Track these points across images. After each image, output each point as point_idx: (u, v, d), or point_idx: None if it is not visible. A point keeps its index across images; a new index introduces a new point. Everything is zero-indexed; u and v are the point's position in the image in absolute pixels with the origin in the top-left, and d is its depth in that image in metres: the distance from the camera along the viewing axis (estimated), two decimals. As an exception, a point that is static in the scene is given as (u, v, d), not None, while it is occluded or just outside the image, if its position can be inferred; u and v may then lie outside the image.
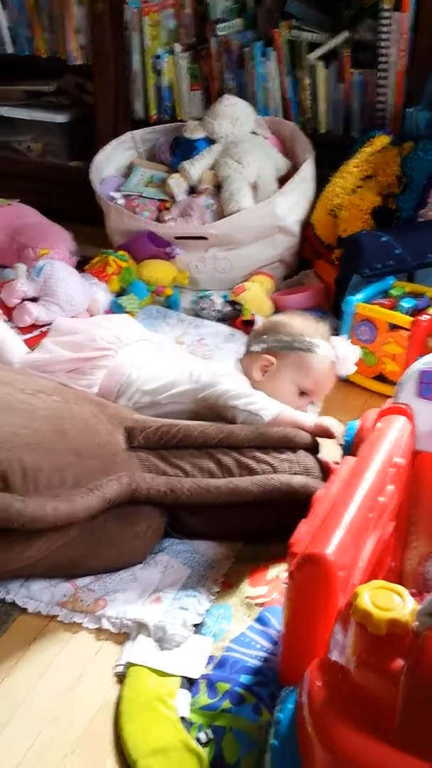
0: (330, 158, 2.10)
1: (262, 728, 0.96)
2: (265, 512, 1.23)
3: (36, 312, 1.83)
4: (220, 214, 2.09)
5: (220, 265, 2.08)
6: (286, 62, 2.22)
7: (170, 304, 2.04)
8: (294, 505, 1.19)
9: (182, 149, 2.25)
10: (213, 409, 1.37)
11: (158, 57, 2.32)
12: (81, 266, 2.05)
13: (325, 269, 2.03)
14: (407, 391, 1.18)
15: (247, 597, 1.17)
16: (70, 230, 2.14)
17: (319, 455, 1.31)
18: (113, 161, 2.31)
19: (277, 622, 1.11)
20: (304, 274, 2.13)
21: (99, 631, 1.13)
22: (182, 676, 1.05)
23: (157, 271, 2.05)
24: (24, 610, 1.16)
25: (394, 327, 1.67)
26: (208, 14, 2.32)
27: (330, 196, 2.01)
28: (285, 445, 1.27)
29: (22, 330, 1.84)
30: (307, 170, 2.10)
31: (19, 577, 1.19)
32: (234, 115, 2.17)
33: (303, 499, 1.17)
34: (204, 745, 0.97)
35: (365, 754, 0.75)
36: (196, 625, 1.13)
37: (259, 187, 2.11)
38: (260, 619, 1.13)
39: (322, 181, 2.08)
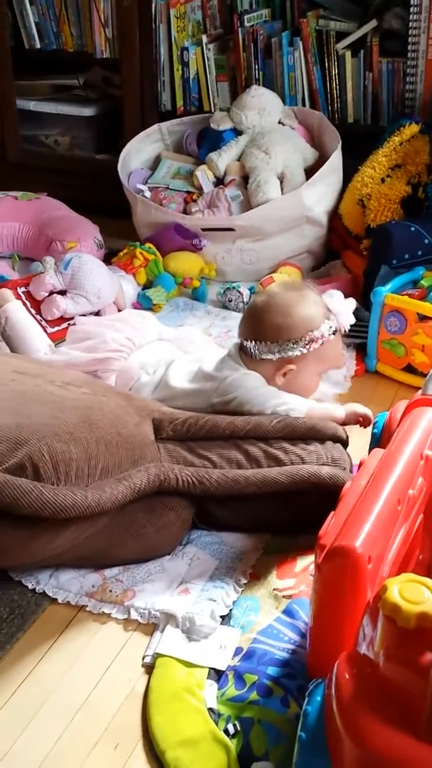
0: (358, 148, 2.08)
1: (290, 720, 0.96)
2: (294, 503, 1.23)
3: (64, 305, 1.84)
4: (247, 205, 2.08)
5: (247, 257, 2.07)
6: (314, 52, 2.20)
7: (197, 296, 2.04)
8: (322, 496, 1.19)
9: (209, 141, 2.24)
10: (235, 413, 1.34)
11: (185, 49, 2.32)
12: (108, 259, 2.06)
13: (353, 260, 2.01)
14: (437, 383, 1.16)
15: (274, 589, 1.17)
16: (97, 223, 2.15)
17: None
18: (140, 154, 2.32)
19: (304, 615, 1.10)
20: (332, 265, 2.11)
21: (127, 622, 1.14)
22: (210, 668, 1.05)
23: (184, 263, 2.05)
24: (54, 600, 1.17)
25: (423, 318, 1.65)
26: (235, 5, 2.31)
27: (358, 186, 1.99)
28: (313, 436, 1.26)
29: (51, 323, 1.86)
30: (335, 160, 2.09)
31: (48, 567, 1.20)
32: (261, 106, 2.16)
33: (331, 490, 1.17)
34: (232, 736, 0.97)
35: (393, 747, 0.75)
36: (223, 617, 1.13)
37: (286, 178, 2.09)
38: (288, 611, 1.12)
39: (350, 170, 2.07)
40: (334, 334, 1.39)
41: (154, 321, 1.65)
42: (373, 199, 1.94)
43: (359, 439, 1.42)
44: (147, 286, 2.01)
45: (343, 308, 1.42)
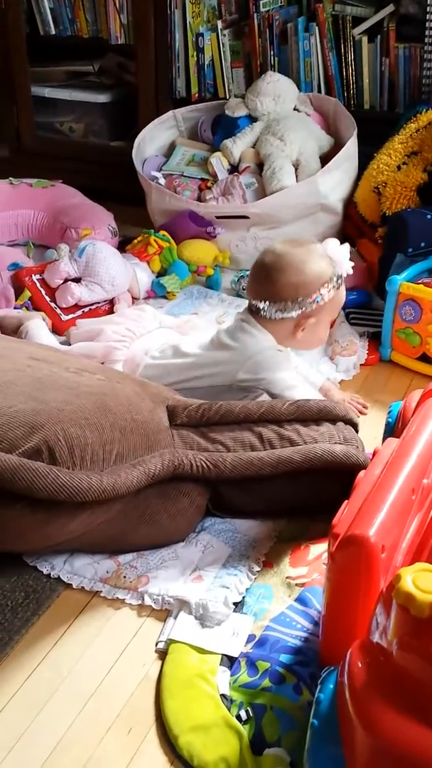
0: (374, 135, 2.06)
1: (303, 708, 0.96)
2: (308, 485, 1.23)
3: (78, 292, 1.84)
4: (262, 192, 2.07)
5: (261, 245, 2.06)
6: (330, 37, 2.18)
7: (211, 283, 2.03)
8: (335, 477, 1.19)
9: (224, 127, 2.23)
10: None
11: (200, 35, 2.30)
12: (122, 246, 2.06)
13: (368, 248, 2.00)
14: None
15: (287, 577, 1.17)
16: (111, 210, 2.14)
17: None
18: (155, 140, 2.31)
19: (317, 603, 1.11)
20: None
21: (141, 608, 1.15)
22: (222, 654, 1.06)
23: (198, 251, 2.04)
24: (68, 586, 1.18)
25: (439, 307, 1.64)
26: (250, -11, 2.29)
27: (374, 174, 1.97)
28: (324, 417, 1.27)
29: (65, 310, 1.86)
30: (351, 147, 2.07)
31: (63, 552, 1.21)
32: (276, 92, 2.15)
33: (346, 468, 1.18)
34: (244, 722, 0.98)
35: (406, 736, 0.75)
36: (236, 604, 1.13)
37: (301, 165, 2.08)
38: (301, 599, 1.13)
39: (365, 158, 2.05)
40: (339, 280, 1.43)
41: (153, 311, 1.67)
42: (388, 186, 1.92)
43: (373, 428, 1.42)
44: (161, 273, 2.01)
45: (341, 255, 1.45)
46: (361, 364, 1.72)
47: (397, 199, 1.91)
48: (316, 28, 2.18)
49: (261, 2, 2.23)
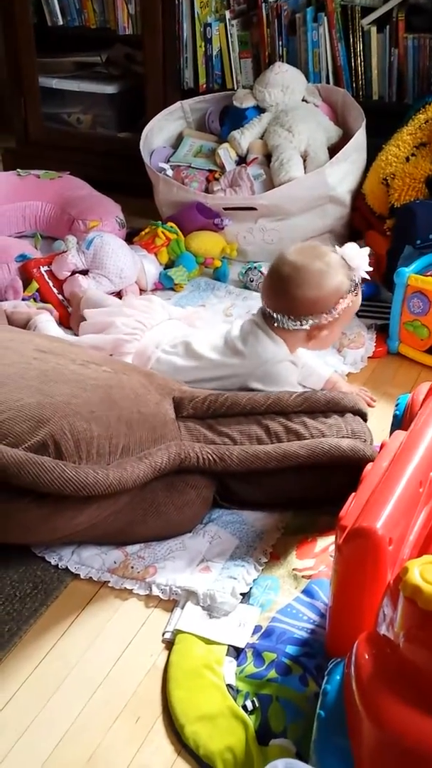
0: (383, 126, 2.05)
1: (309, 699, 0.97)
2: (315, 477, 1.23)
3: (86, 285, 1.84)
4: (270, 184, 2.07)
5: (268, 236, 2.06)
6: (338, 28, 2.16)
7: (219, 275, 2.03)
8: (343, 470, 1.19)
9: (232, 118, 2.22)
10: None
11: (208, 25, 2.29)
12: (130, 238, 2.05)
13: (376, 240, 1.99)
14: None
15: (294, 569, 1.18)
16: (119, 202, 2.14)
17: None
18: (163, 132, 2.30)
19: (324, 595, 1.11)
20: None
21: (148, 598, 1.15)
22: (229, 645, 1.07)
23: (206, 242, 2.04)
24: (76, 576, 1.18)
25: (447, 299, 1.63)
26: (258, -21, 2.27)
27: (383, 165, 1.96)
28: (332, 408, 1.26)
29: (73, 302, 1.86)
30: (360, 138, 2.06)
31: (70, 543, 1.21)
32: (285, 83, 2.14)
33: (353, 463, 1.18)
34: (250, 712, 0.98)
35: (413, 728, 0.75)
36: (243, 595, 1.14)
37: (309, 156, 2.07)
38: (307, 591, 1.13)
39: (374, 149, 2.04)
40: (356, 289, 1.43)
41: (160, 302, 1.67)
42: (397, 178, 1.92)
43: (381, 421, 1.42)
44: (169, 265, 2.01)
45: (360, 261, 1.43)
46: (368, 357, 1.71)
47: (406, 190, 1.90)
48: (325, 18, 2.16)
49: (269, -8, 2.22)
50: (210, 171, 2.19)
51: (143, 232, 2.05)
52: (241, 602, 1.13)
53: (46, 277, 1.88)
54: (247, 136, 2.14)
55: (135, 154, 2.18)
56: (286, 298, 1.41)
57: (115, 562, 1.19)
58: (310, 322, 1.41)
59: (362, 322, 1.80)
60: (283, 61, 2.22)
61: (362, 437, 1.24)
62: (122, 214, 2.11)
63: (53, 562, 1.20)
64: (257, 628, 1.09)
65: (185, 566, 1.18)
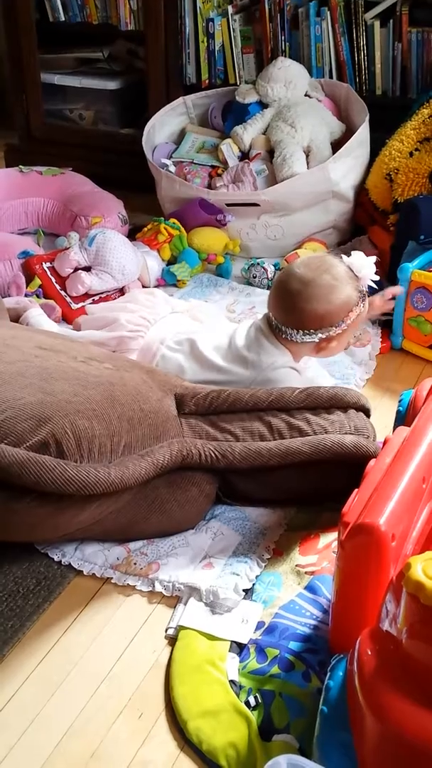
0: (386, 120, 2.04)
1: (312, 694, 0.97)
2: (318, 474, 1.23)
3: (89, 281, 1.84)
4: (273, 180, 2.06)
5: (271, 232, 2.06)
6: (341, 22, 2.16)
7: (221, 272, 2.03)
8: (346, 466, 1.19)
9: (234, 114, 2.22)
10: None
11: (210, 20, 2.28)
12: (132, 234, 2.05)
13: (379, 235, 1.99)
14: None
15: (297, 565, 1.18)
16: (121, 198, 2.14)
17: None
18: (165, 127, 2.30)
19: (326, 591, 1.11)
20: (358, 241, 2.09)
21: (151, 594, 1.15)
22: (232, 641, 1.07)
23: (209, 238, 2.04)
24: (79, 572, 1.19)
25: (451, 295, 1.63)
26: (261, -27, 2.26)
27: (386, 160, 1.96)
28: (335, 404, 1.26)
29: (75, 299, 1.86)
30: (363, 133, 2.05)
31: (73, 540, 1.21)
32: (287, 78, 2.13)
33: (356, 459, 1.17)
34: (253, 708, 0.98)
35: (415, 723, 0.75)
36: (246, 591, 1.14)
37: (312, 152, 2.07)
38: (310, 587, 1.13)
39: (377, 144, 2.03)
40: (365, 299, 1.42)
41: (163, 295, 1.66)
42: (400, 173, 1.91)
43: (384, 417, 1.41)
44: (171, 261, 2.01)
45: (367, 271, 1.43)
46: (376, 355, 1.70)
47: (409, 185, 1.89)
48: (328, 12, 2.16)
49: (272, -14, 2.21)
50: (213, 167, 2.18)
51: (146, 229, 2.05)
52: (244, 598, 1.13)
53: (48, 273, 1.89)
54: (249, 132, 2.14)
55: (137, 150, 2.18)
56: (294, 314, 1.39)
57: (118, 559, 1.20)
58: (320, 335, 1.40)
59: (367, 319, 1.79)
60: (285, 56, 2.21)
61: (365, 433, 1.24)
62: (125, 210, 2.11)
63: (56, 559, 1.20)
64: (260, 624, 1.09)
65: (188, 562, 1.18)
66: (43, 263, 1.90)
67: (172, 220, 2.04)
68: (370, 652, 0.81)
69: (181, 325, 1.54)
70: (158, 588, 1.15)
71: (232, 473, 1.24)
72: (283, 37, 2.24)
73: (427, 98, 2.00)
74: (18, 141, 2.63)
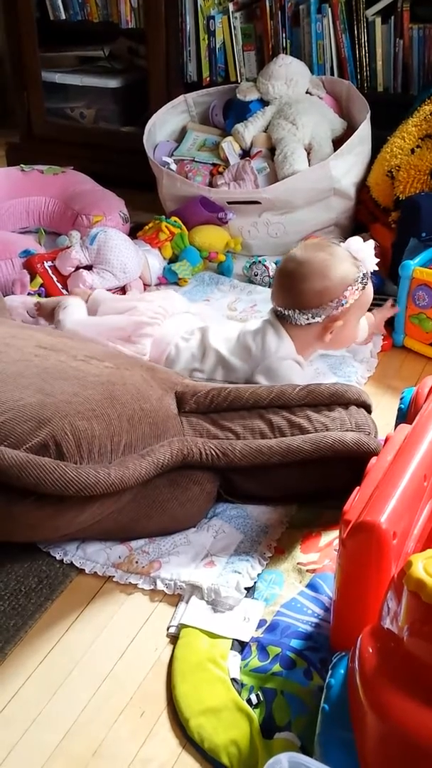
0: (388, 117, 2.04)
1: (313, 692, 0.97)
2: (319, 471, 1.23)
3: (90, 280, 1.84)
4: (274, 177, 2.06)
5: (273, 230, 2.05)
6: (343, 19, 2.15)
7: (223, 270, 2.03)
8: (348, 463, 1.19)
9: (235, 112, 2.22)
10: None
11: (211, 17, 2.28)
12: (134, 233, 2.05)
13: (381, 233, 1.98)
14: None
15: (298, 563, 1.18)
16: (122, 197, 2.14)
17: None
18: (166, 125, 2.30)
19: (328, 589, 1.11)
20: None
21: (153, 593, 1.15)
22: (233, 639, 1.07)
23: (210, 236, 2.04)
24: (81, 571, 1.19)
25: (452, 292, 1.62)
26: (262, -29, 2.26)
27: (387, 157, 1.95)
28: (336, 401, 1.26)
29: (77, 297, 1.86)
30: (364, 130, 2.05)
31: (75, 539, 1.22)
32: (288, 76, 2.13)
33: (357, 456, 1.17)
34: (254, 706, 0.98)
35: (416, 721, 0.75)
36: (247, 589, 1.14)
37: (313, 149, 2.06)
38: (311, 586, 1.13)
39: (379, 141, 2.03)
40: (365, 279, 1.43)
41: (178, 296, 1.68)
42: (402, 170, 1.91)
43: (386, 414, 1.41)
44: (172, 260, 2.01)
45: (366, 253, 1.45)
46: (377, 353, 1.70)
47: (411, 183, 1.89)
48: (329, 9, 2.15)
49: (273, -17, 2.21)
50: (214, 165, 2.18)
51: (147, 227, 2.05)
52: (246, 596, 1.13)
53: (50, 272, 1.89)
54: (250, 130, 2.14)
55: (138, 148, 2.17)
56: (293, 292, 1.42)
57: (119, 557, 1.20)
58: (323, 314, 1.41)
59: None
60: (286, 53, 2.21)
61: (366, 430, 1.24)
62: (126, 208, 2.11)
63: (58, 557, 1.20)
64: (262, 622, 1.09)
65: (190, 561, 1.18)
66: (45, 262, 1.90)
67: (174, 218, 2.04)
68: (371, 650, 0.81)
69: (194, 324, 1.56)
70: (160, 586, 1.15)
71: (233, 471, 1.24)
72: (284, 35, 2.24)
73: (429, 95, 1.99)
74: (19, 140, 2.64)
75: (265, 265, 1.96)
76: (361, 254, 1.44)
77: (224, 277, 2.00)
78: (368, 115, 2.06)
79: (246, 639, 1.07)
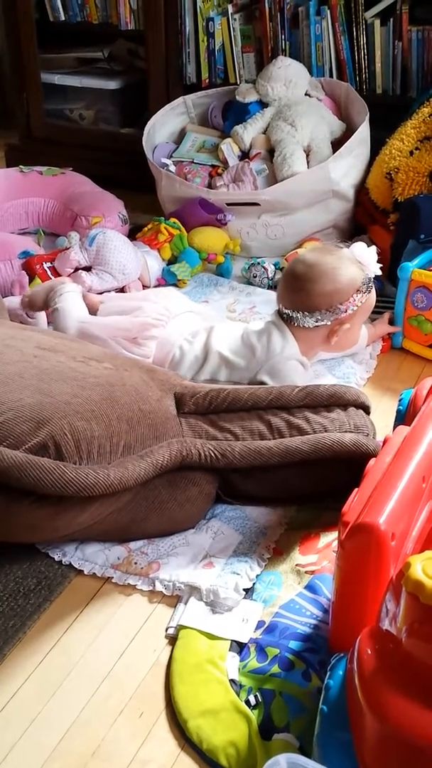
0: (386, 120, 2.04)
1: (312, 694, 0.97)
2: (318, 473, 1.23)
3: (89, 281, 1.85)
4: (273, 179, 2.06)
5: (272, 232, 2.06)
6: (342, 21, 2.15)
7: (222, 271, 2.03)
8: (346, 464, 1.19)
9: (234, 113, 2.22)
10: None
11: (210, 19, 2.28)
12: (133, 234, 2.05)
13: (380, 235, 1.99)
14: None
15: (297, 565, 1.18)
16: (121, 198, 2.14)
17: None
18: (165, 127, 2.30)
19: (326, 590, 1.11)
20: (359, 240, 2.09)
21: (152, 594, 1.15)
22: (232, 640, 1.07)
23: (209, 238, 2.04)
24: (80, 572, 1.19)
25: (451, 294, 1.62)
26: (261, -27, 2.26)
27: (386, 159, 1.96)
28: (335, 402, 1.26)
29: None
30: (363, 132, 2.05)
31: (74, 540, 1.22)
32: (288, 77, 2.13)
33: (356, 457, 1.17)
34: (253, 707, 0.98)
35: (415, 722, 0.75)
36: (246, 591, 1.14)
37: (312, 151, 2.07)
38: (310, 587, 1.13)
39: (378, 143, 2.03)
40: (370, 283, 1.46)
41: (180, 294, 1.69)
42: (401, 172, 1.91)
43: (384, 416, 1.41)
44: (171, 261, 2.01)
45: (369, 258, 1.48)
46: (376, 354, 1.71)
47: (410, 184, 1.89)
48: (328, 11, 2.15)
49: (272, -15, 2.21)
50: (213, 166, 2.19)
51: (146, 228, 2.05)
52: (244, 598, 1.13)
53: (49, 273, 1.89)
54: (250, 131, 2.14)
55: (138, 149, 2.18)
56: (302, 294, 1.44)
57: (118, 558, 1.20)
58: (331, 317, 1.43)
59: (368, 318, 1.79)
60: (285, 55, 2.21)
61: (365, 431, 1.24)
62: (125, 210, 2.11)
63: (57, 558, 1.20)
64: (260, 624, 1.09)
65: (188, 562, 1.18)
66: (44, 263, 1.90)
67: (173, 219, 2.04)
68: (370, 652, 0.81)
69: (198, 324, 1.57)
70: (159, 587, 1.15)
71: (232, 472, 1.24)
72: (283, 36, 2.24)
73: (428, 97, 2.00)
74: (18, 141, 2.64)
75: (264, 267, 1.96)
76: (365, 258, 1.47)
77: (223, 279, 2.01)
78: (367, 117, 2.06)
79: (244, 640, 1.07)
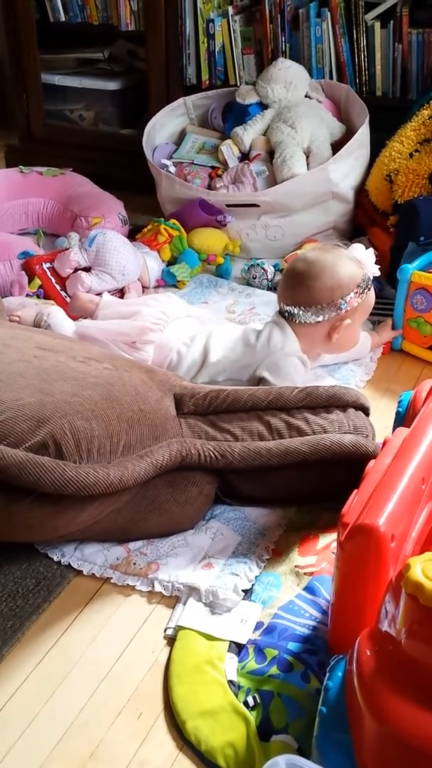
0: (386, 122, 2.04)
1: (310, 695, 0.97)
2: (317, 474, 1.23)
3: (89, 282, 1.85)
4: (273, 180, 2.06)
5: (271, 233, 2.06)
6: (342, 23, 2.16)
7: (221, 272, 2.03)
8: (346, 465, 1.19)
9: (234, 115, 2.22)
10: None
11: (211, 21, 2.28)
12: (132, 235, 2.05)
13: (379, 237, 1.99)
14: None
15: (296, 566, 1.18)
16: (121, 199, 2.14)
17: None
18: (165, 128, 2.30)
19: (325, 592, 1.11)
20: (358, 242, 2.09)
21: (151, 594, 1.15)
22: (230, 641, 1.07)
23: (209, 239, 2.04)
24: (79, 572, 1.19)
25: (450, 296, 1.63)
26: (262, -26, 2.27)
27: (386, 161, 1.96)
28: (334, 403, 1.26)
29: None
30: (363, 134, 2.05)
31: (73, 540, 1.22)
32: (288, 79, 2.13)
33: (355, 458, 1.18)
34: (251, 708, 0.98)
35: (414, 724, 0.75)
36: (245, 592, 1.14)
37: (312, 153, 2.07)
38: (309, 588, 1.13)
39: (378, 145, 2.03)
40: (369, 282, 1.49)
41: (179, 299, 1.69)
42: (400, 174, 1.91)
43: (384, 417, 1.41)
44: (171, 262, 2.01)
45: (368, 258, 1.51)
46: (376, 357, 1.71)
47: (409, 187, 1.89)
48: (328, 13, 2.16)
49: (272, -13, 2.21)
50: (213, 167, 2.19)
51: (146, 229, 2.05)
52: (243, 599, 1.13)
53: (48, 274, 1.89)
54: (249, 133, 2.14)
55: (138, 150, 2.18)
56: (303, 290, 1.46)
57: (117, 559, 1.20)
58: (332, 312, 1.44)
59: (367, 320, 1.79)
60: (286, 57, 2.22)
61: (364, 432, 1.24)
62: (125, 210, 2.11)
63: (56, 559, 1.20)
64: (259, 625, 1.09)
65: (187, 563, 1.18)
66: (43, 264, 1.90)
67: (172, 220, 2.04)
68: (369, 653, 0.81)
69: (196, 329, 1.58)
70: (158, 588, 1.15)
71: (231, 473, 1.24)
72: (283, 38, 2.25)
73: (428, 99, 2.00)
74: (18, 141, 2.64)
75: (263, 268, 1.96)
76: (363, 259, 1.49)
77: (223, 280, 2.01)
78: (367, 119, 2.06)
79: (243, 641, 1.07)
